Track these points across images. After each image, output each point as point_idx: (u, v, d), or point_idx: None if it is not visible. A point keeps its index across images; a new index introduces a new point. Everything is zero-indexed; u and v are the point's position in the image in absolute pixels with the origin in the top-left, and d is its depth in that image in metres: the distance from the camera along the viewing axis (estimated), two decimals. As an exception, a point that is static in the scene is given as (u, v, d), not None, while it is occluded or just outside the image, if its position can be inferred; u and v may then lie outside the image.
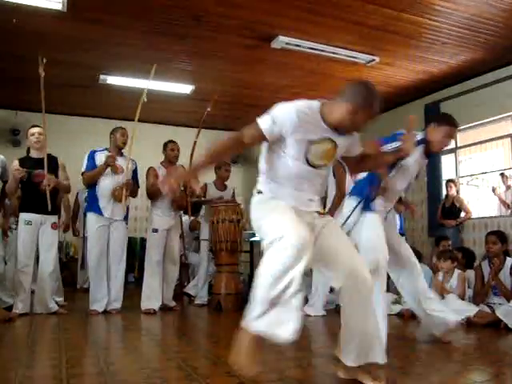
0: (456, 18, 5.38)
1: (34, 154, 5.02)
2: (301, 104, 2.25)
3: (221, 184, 6.12)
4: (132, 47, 6.22)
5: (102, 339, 3.88)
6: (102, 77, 7.24)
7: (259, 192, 2.32)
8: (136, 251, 9.24)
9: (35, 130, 4.98)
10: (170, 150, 5.47)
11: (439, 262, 4.98)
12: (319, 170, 2.31)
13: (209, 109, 5.75)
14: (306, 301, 5.21)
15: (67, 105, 8.43)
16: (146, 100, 5.14)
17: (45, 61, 4.78)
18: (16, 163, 4.90)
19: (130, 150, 5.20)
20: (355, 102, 2.22)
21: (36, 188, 4.85)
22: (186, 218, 6.34)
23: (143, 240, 9.39)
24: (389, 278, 5.57)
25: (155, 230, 5.37)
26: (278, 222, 2.08)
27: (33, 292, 5.00)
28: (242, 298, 5.62)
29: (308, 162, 2.24)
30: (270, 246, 2.00)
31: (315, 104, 2.28)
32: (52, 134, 5.11)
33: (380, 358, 2.31)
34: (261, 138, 2.23)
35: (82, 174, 5.10)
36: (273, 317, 2.01)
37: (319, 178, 2.35)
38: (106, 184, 5.04)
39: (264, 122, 2.21)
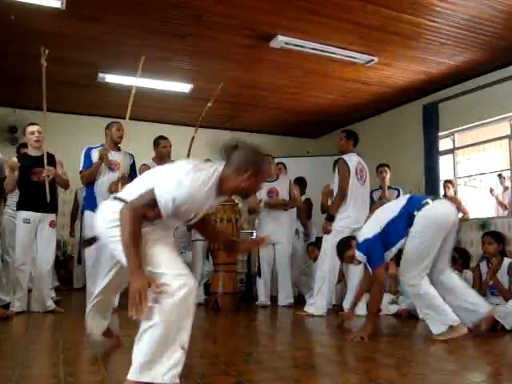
0: (455, 19, 5.39)
1: (31, 151, 5.00)
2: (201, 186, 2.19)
3: None
4: (131, 45, 6.21)
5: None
6: (100, 75, 7.23)
7: None
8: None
9: (34, 128, 4.96)
10: (163, 147, 5.45)
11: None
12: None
13: (209, 104, 5.69)
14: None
15: (66, 103, 8.41)
16: (133, 91, 5.08)
17: (47, 51, 4.75)
18: (15, 160, 4.90)
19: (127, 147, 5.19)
20: (249, 170, 2.21)
21: (34, 186, 4.84)
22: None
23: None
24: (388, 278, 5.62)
25: None
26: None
27: (29, 290, 4.99)
28: (239, 298, 5.63)
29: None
30: None
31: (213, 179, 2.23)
32: (50, 132, 5.10)
33: None
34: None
35: (80, 172, 5.09)
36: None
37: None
38: (104, 182, 5.02)
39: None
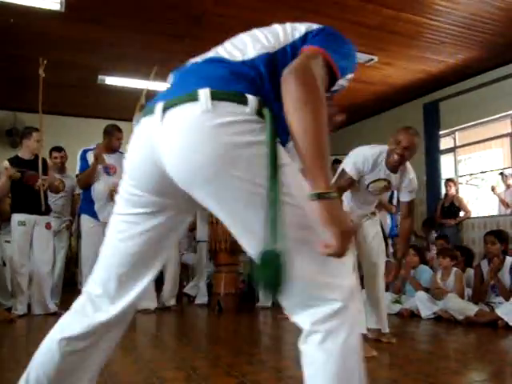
0: (454, 18, 5.38)
1: (25, 155, 5.00)
2: None
3: None
4: (130, 47, 6.21)
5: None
6: (100, 77, 7.23)
7: None
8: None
9: (40, 136, 4.96)
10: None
11: (438, 259, 4.99)
12: None
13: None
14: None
15: (66, 105, 8.41)
16: (144, 103, 5.10)
17: (45, 62, 4.76)
18: (6, 163, 4.89)
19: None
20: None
21: (28, 189, 4.84)
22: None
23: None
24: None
25: None
26: None
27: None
28: (241, 298, 5.62)
29: None
30: None
31: None
32: (50, 134, 5.11)
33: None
34: None
35: (77, 176, 5.07)
36: None
37: None
38: (101, 187, 4.99)
39: None
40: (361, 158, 3.27)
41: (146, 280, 1.37)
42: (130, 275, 1.34)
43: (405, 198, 3.47)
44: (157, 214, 1.29)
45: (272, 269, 1.06)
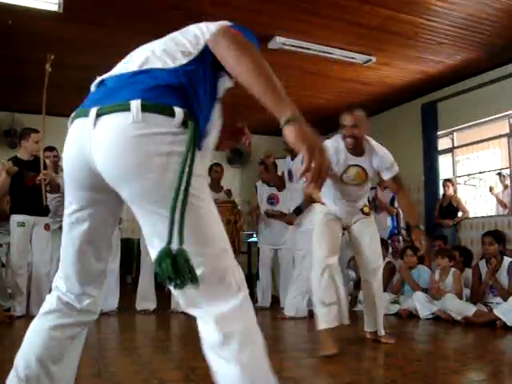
0: (452, 18, 5.39)
1: (24, 156, 5.00)
2: None
3: (216, 185, 6.10)
4: (129, 48, 6.10)
5: (99, 340, 3.87)
6: (99, 78, 7.22)
7: None
8: (133, 253, 9.22)
9: (39, 137, 4.96)
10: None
11: (436, 260, 5.00)
12: None
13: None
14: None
15: (65, 106, 8.31)
16: None
17: (52, 57, 4.74)
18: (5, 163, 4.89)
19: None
20: None
21: (27, 190, 4.85)
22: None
23: (140, 241, 9.39)
24: (390, 277, 5.63)
25: None
26: None
27: (29, 294, 4.99)
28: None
29: None
30: None
31: None
32: (49, 135, 5.09)
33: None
34: None
35: None
36: None
37: None
38: None
39: None
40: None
41: (100, 277, 1.50)
42: (85, 270, 1.46)
43: (387, 175, 3.38)
44: (88, 207, 1.41)
45: (172, 265, 1.19)
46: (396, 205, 6.99)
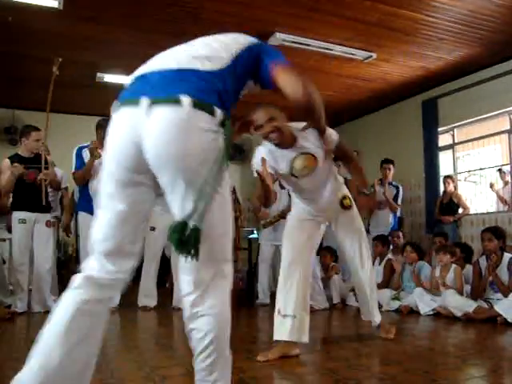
0: (453, 14, 5.38)
1: (24, 153, 5.01)
2: None
3: None
4: (129, 45, 6.20)
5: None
6: (99, 75, 7.22)
7: None
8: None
9: (40, 135, 4.96)
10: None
11: (438, 256, 4.99)
12: None
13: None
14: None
15: (64, 103, 8.38)
16: None
17: (60, 60, 4.73)
18: (7, 161, 4.90)
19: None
20: None
21: (28, 186, 4.86)
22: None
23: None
24: (391, 274, 5.63)
25: (152, 228, 5.34)
26: None
27: (30, 290, 5.00)
28: (240, 296, 5.63)
29: None
30: None
31: None
32: (49, 132, 5.10)
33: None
34: None
35: (73, 173, 5.07)
36: None
37: None
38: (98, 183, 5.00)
39: None
40: (258, 155, 2.86)
41: (136, 252, 1.65)
42: (118, 247, 1.60)
43: (330, 146, 2.95)
44: (127, 187, 1.57)
45: (186, 235, 1.45)
46: (399, 201, 6.99)
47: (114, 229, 1.58)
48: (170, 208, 1.57)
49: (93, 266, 1.60)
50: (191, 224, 1.45)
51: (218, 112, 1.51)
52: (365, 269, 3.30)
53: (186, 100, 1.45)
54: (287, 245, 3.08)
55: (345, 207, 3.11)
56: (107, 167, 1.60)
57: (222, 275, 1.60)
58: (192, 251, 1.45)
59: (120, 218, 1.58)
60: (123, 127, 1.53)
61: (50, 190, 5.10)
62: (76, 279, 1.57)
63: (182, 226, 1.45)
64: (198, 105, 1.47)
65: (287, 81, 1.72)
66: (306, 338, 2.94)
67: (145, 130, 1.47)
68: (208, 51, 1.65)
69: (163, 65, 1.61)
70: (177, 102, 1.45)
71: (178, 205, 1.53)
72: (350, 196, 3.19)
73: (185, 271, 1.58)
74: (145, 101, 1.47)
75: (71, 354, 1.48)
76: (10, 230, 5.51)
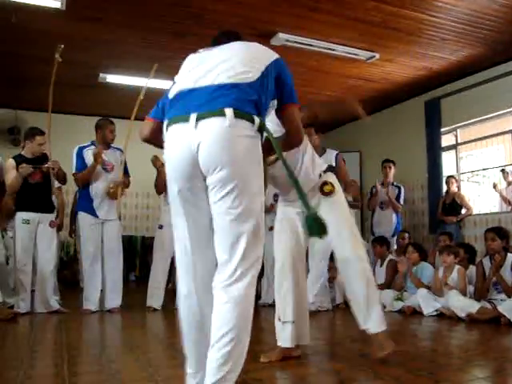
0: (456, 14, 5.37)
1: (28, 154, 5.02)
2: None
3: None
4: (131, 45, 6.21)
5: (103, 337, 3.88)
6: (101, 75, 7.23)
7: None
8: (137, 250, 9.23)
9: (44, 140, 4.98)
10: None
11: (441, 257, 4.98)
12: None
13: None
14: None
15: (67, 104, 8.40)
16: (142, 98, 5.13)
17: (62, 46, 4.74)
18: (12, 161, 4.91)
19: (126, 149, 5.21)
20: None
21: (32, 187, 4.87)
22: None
23: (144, 238, 9.40)
24: (394, 274, 5.61)
25: (160, 227, 5.33)
26: None
27: (33, 291, 4.99)
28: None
29: None
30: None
31: None
32: (51, 133, 5.11)
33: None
34: None
35: (74, 174, 5.08)
36: None
37: None
38: (99, 184, 5.02)
39: None
40: None
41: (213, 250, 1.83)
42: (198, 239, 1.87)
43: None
44: (188, 191, 1.81)
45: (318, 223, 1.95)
46: (401, 201, 6.98)
47: (189, 228, 1.85)
48: (211, 204, 1.79)
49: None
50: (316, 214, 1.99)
51: (256, 120, 1.77)
52: (358, 268, 2.78)
53: (228, 111, 1.71)
54: (277, 249, 2.98)
55: (324, 193, 2.82)
56: (172, 177, 1.83)
57: (256, 268, 1.80)
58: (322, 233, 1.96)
59: (191, 218, 1.84)
60: (178, 142, 1.77)
61: (56, 185, 5.12)
62: None
63: (314, 215, 1.96)
64: (238, 115, 1.72)
65: (293, 122, 2.06)
66: (306, 340, 2.91)
67: (197, 142, 1.71)
68: (242, 65, 1.87)
69: (205, 81, 1.83)
70: (221, 114, 1.71)
71: (231, 201, 1.74)
72: (335, 184, 2.88)
73: (229, 261, 1.76)
74: (193, 116, 1.72)
75: None
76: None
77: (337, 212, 2.82)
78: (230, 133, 1.71)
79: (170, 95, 1.93)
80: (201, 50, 2.10)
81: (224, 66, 1.86)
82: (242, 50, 1.98)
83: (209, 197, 1.79)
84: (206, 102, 1.76)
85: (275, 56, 2.03)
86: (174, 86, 1.96)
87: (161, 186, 5.30)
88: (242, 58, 1.91)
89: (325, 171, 2.90)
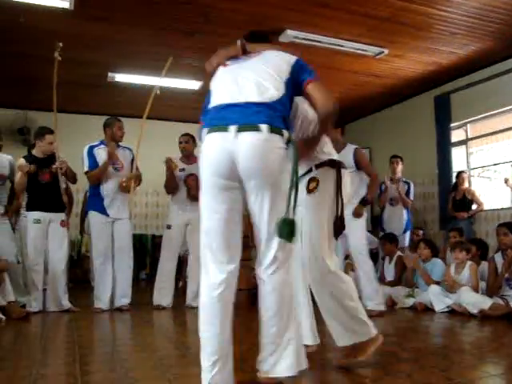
0: (466, 8, 5.32)
1: (39, 153, 5.05)
2: None
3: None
4: (139, 44, 6.22)
5: (114, 336, 3.89)
6: (110, 74, 7.25)
7: None
8: (147, 248, 9.27)
9: (54, 138, 5.00)
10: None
11: (453, 253, 4.95)
12: None
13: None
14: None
15: (76, 103, 8.45)
16: (158, 92, 5.11)
17: (61, 44, 4.75)
18: (22, 161, 4.94)
19: (138, 147, 5.21)
20: None
21: (42, 187, 4.90)
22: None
23: (154, 237, 9.43)
24: (403, 271, 5.59)
25: (168, 227, 5.35)
26: None
27: (44, 290, 5.02)
28: (254, 294, 5.62)
29: None
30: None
31: None
32: (61, 132, 5.13)
33: None
34: None
35: (86, 173, 5.10)
36: None
37: None
38: (110, 183, 5.04)
39: None
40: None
41: (239, 249, 2.17)
42: (227, 241, 2.12)
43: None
44: (225, 191, 2.08)
45: (288, 226, 2.03)
46: (411, 197, 6.95)
47: (221, 227, 2.09)
48: (251, 204, 2.08)
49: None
50: (289, 217, 2.04)
51: (285, 133, 2.08)
52: (319, 281, 2.57)
53: (264, 127, 2.01)
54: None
55: (307, 189, 2.62)
56: (207, 178, 2.08)
57: (292, 257, 2.16)
58: (289, 237, 2.04)
59: (223, 217, 2.08)
60: (217, 147, 2.04)
61: (63, 186, 5.12)
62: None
63: (289, 220, 2.03)
64: (272, 130, 2.02)
65: (319, 94, 2.23)
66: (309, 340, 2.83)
67: (236, 149, 2.00)
68: (271, 82, 2.16)
69: (240, 98, 2.12)
70: (258, 129, 2.01)
71: (267, 203, 2.05)
72: (324, 182, 2.62)
73: (268, 251, 2.10)
74: (233, 128, 2.02)
75: None
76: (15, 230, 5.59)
77: (310, 213, 2.58)
78: (266, 145, 2.01)
79: (210, 105, 2.23)
80: (228, 63, 2.39)
81: (253, 85, 2.14)
82: (267, 64, 2.25)
83: (247, 197, 2.09)
84: (244, 117, 2.06)
85: (293, 59, 2.32)
86: (212, 98, 2.25)
87: (170, 188, 5.31)
88: (267, 74, 2.19)
89: (320, 165, 2.62)
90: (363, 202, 4.55)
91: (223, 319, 2.14)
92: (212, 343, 2.11)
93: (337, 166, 2.62)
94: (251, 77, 2.19)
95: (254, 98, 2.11)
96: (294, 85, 2.23)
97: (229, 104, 2.13)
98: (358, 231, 4.55)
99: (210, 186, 2.09)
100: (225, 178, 2.06)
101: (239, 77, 2.21)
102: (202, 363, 2.09)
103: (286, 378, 2.09)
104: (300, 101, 2.46)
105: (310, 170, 2.61)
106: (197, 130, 2.39)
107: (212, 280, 2.11)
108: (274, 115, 2.07)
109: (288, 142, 2.08)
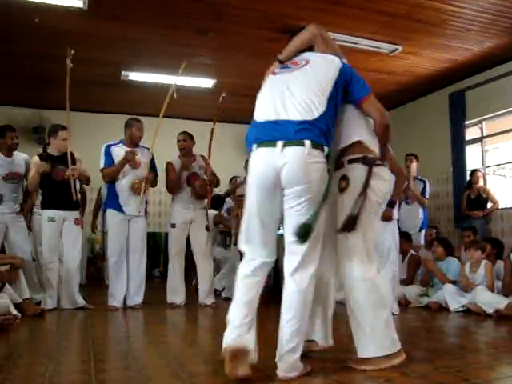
0: (481, 4, 5.26)
1: (54, 151, 5.08)
2: None
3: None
4: (153, 43, 6.24)
5: (128, 334, 3.91)
6: (123, 73, 7.28)
7: None
8: (161, 246, 9.30)
9: (67, 134, 5.02)
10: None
11: (468, 252, 4.90)
12: None
13: (224, 94, 5.62)
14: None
15: (90, 102, 8.50)
16: (176, 96, 5.13)
17: (72, 51, 4.77)
18: (37, 159, 4.97)
19: (153, 145, 5.21)
20: None
21: (57, 185, 4.92)
22: (211, 212, 6.30)
23: (168, 235, 9.46)
24: (416, 270, 5.54)
25: (173, 225, 5.37)
26: None
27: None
28: (268, 291, 5.61)
29: None
30: None
31: None
32: (75, 131, 5.16)
33: None
34: None
35: (101, 170, 5.12)
36: None
37: None
38: (126, 181, 5.05)
39: None
40: None
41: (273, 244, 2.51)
42: (263, 238, 2.45)
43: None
44: (267, 198, 2.35)
45: (305, 230, 2.27)
46: (427, 195, 6.89)
47: (262, 229, 2.41)
48: (288, 209, 2.33)
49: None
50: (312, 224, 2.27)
51: (326, 149, 2.31)
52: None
53: (307, 143, 2.24)
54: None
55: (340, 189, 2.53)
56: (254, 187, 2.35)
57: (316, 262, 2.39)
58: (302, 239, 2.27)
59: (264, 221, 2.39)
60: (265, 161, 2.30)
61: (77, 186, 5.15)
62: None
63: (306, 225, 2.26)
64: (314, 145, 2.25)
65: (376, 112, 2.56)
66: (314, 336, 2.83)
67: (282, 163, 2.24)
68: (315, 98, 2.35)
69: (285, 115, 2.33)
70: (302, 144, 2.24)
71: (302, 209, 2.29)
72: (353, 181, 2.50)
73: (292, 255, 2.37)
74: (280, 144, 2.25)
75: None
76: (30, 229, 5.64)
77: (342, 214, 2.50)
78: (308, 159, 2.24)
79: (257, 118, 2.44)
80: (277, 70, 2.59)
81: (298, 104, 2.33)
82: (315, 74, 2.45)
83: (284, 203, 2.32)
84: (291, 133, 2.27)
85: (339, 65, 2.55)
86: (258, 108, 2.47)
87: (176, 188, 5.33)
88: (311, 91, 2.37)
89: (353, 161, 2.52)
90: (390, 204, 4.34)
91: (257, 293, 2.43)
92: (249, 307, 2.35)
93: (370, 163, 2.48)
94: (297, 93, 2.37)
95: (298, 116, 2.31)
96: (343, 90, 2.48)
97: (275, 121, 2.34)
98: (387, 234, 4.44)
99: (255, 194, 2.35)
100: (270, 189, 2.31)
101: (287, 91, 2.39)
102: (232, 323, 2.34)
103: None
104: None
105: (341, 165, 2.54)
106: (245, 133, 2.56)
107: (250, 268, 2.43)
108: (318, 132, 2.28)
109: (327, 157, 2.31)
